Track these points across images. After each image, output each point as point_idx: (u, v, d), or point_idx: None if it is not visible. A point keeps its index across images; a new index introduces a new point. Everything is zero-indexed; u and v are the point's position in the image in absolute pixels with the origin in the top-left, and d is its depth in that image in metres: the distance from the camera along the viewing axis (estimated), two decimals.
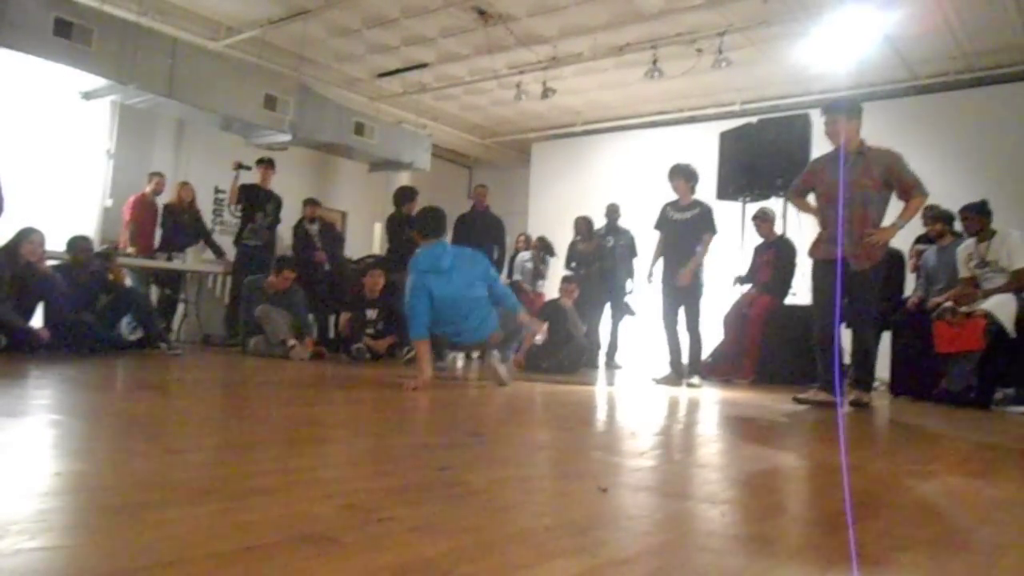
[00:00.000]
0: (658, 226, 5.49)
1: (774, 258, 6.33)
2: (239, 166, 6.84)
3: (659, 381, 5.28)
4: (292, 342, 5.63)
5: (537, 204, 11.08)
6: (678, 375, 5.26)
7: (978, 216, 4.94)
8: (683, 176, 5.34)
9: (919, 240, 5.94)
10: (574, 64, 8.27)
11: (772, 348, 6.06)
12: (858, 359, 4.04)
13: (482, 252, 4.54)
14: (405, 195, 6.97)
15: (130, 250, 6.57)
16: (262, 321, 5.74)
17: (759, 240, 6.55)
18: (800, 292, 6.75)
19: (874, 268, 3.90)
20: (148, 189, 7.10)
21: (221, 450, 1.80)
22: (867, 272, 3.89)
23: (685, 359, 5.35)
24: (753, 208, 6.74)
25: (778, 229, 6.60)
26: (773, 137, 6.67)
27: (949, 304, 4.82)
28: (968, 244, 5.04)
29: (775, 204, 6.74)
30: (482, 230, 7.25)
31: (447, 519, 1.20)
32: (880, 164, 3.92)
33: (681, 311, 5.31)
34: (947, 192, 6.03)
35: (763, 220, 6.43)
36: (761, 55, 7.69)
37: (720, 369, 6.15)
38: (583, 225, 7.52)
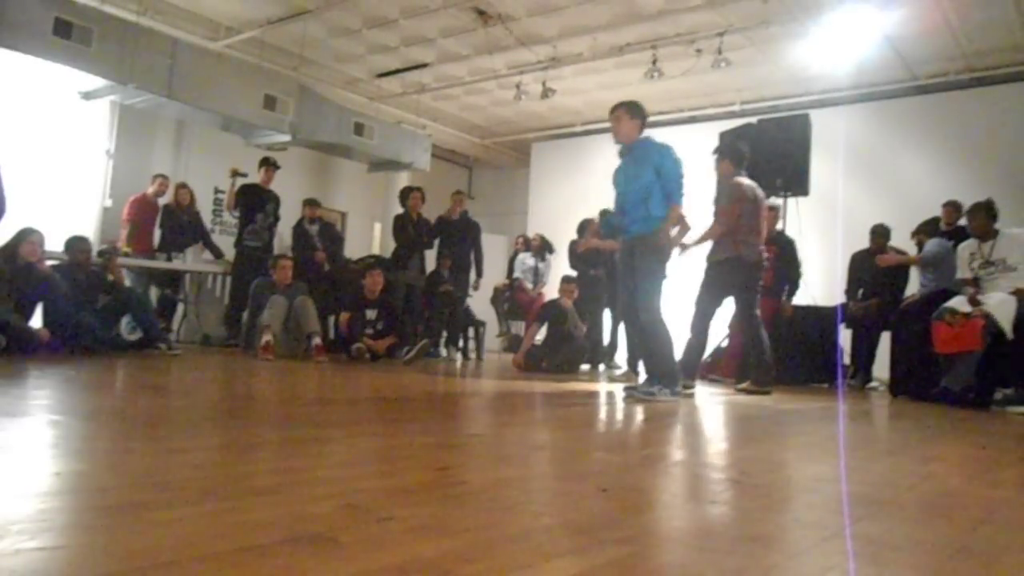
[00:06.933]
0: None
1: (776, 256, 5.98)
2: (236, 173, 6.86)
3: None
4: (317, 340, 5.67)
5: (537, 204, 11.09)
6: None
7: (982, 216, 4.93)
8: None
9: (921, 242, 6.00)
10: (574, 64, 8.28)
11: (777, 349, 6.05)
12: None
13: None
14: (406, 193, 7.23)
15: (126, 250, 6.56)
16: (299, 312, 5.78)
17: None
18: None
19: None
20: (151, 190, 7.10)
21: (221, 450, 1.80)
22: None
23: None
24: None
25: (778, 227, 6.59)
26: (773, 137, 6.67)
27: (949, 304, 4.81)
28: (970, 244, 5.01)
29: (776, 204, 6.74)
30: (463, 231, 7.57)
31: (447, 519, 1.20)
32: None
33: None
34: (946, 192, 6.05)
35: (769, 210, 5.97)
36: (761, 55, 7.69)
37: (715, 368, 6.14)
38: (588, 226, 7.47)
